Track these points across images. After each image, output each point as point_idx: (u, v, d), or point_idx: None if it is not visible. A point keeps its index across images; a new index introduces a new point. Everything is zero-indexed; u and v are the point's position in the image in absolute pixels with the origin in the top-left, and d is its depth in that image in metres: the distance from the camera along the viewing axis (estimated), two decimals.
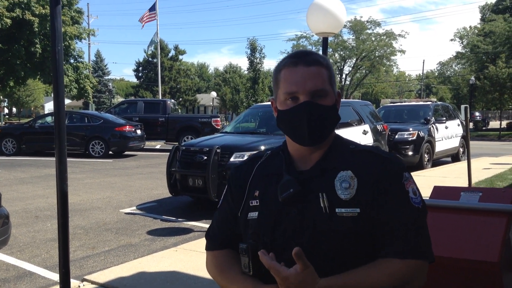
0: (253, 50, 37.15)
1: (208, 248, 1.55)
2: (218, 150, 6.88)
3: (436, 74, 70.99)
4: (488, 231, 2.41)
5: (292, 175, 1.37)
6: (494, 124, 45.19)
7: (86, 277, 4.37)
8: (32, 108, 66.61)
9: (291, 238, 1.31)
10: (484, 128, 39.95)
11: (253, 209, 1.41)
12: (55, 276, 4.56)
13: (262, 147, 7.03)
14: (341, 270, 1.27)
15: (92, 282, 4.26)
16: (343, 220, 1.28)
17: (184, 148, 7.47)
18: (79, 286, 4.22)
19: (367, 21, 48.46)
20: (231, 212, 1.50)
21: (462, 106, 7.33)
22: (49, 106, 65.60)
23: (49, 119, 16.97)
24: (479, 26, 42.55)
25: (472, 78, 36.32)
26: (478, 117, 41.75)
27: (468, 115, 7.19)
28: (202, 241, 5.42)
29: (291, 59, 1.40)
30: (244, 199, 1.45)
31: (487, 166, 12.07)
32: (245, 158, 6.73)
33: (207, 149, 7.03)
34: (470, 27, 47.10)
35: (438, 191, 2.80)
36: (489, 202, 2.56)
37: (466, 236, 2.44)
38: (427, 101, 14.66)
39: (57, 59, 3.29)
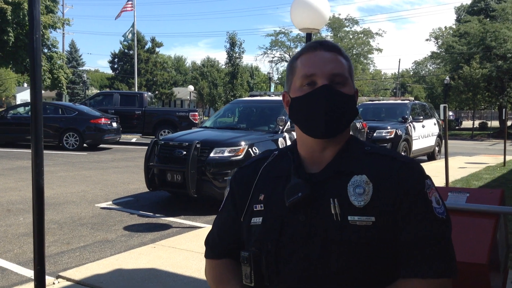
0: (233, 44, 37.02)
1: (206, 255, 1.45)
2: (198, 145, 6.78)
3: (411, 73, 72.01)
4: (477, 233, 2.39)
5: (301, 177, 1.26)
6: (466, 123, 46.17)
7: (61, 273, 4.23)
8: (3, 98, 64.99)
9: (298, 247, 1.20)
10: (457, 127, 40.79)
11: (257, 214, 1.30)
12: (28, 272, 4.42)
13: (243, 143, 6.96)
14: (354, 285, 1.17)
15: (67, 279, 4.12)
16: (356, 229, 1.17)
17: (163, 142, 7.34)
18: (53, 283, 4.08)
19: (345, 19, 48.81)
20: (233, 217, 1.38)
21: (442, 106, 7.40)
22: (21, 96, 64.07)
23: (21, 109, 16.54)
24: (454, 27, 43.22)
25: (447, 78, 36.93)
26: (451, 117, 42.62)
27: (447, 115, 7.27)
28: (181, 238, 5.36)
29: (310, 45, 1.31)
30: (247, 203, 1.34)
31: (462, 165, 12.27)
32: (225, 154, 6.76)
33: (187, 144, 6.92)
34: (445, 27, 47.83)
35: None
36: (477, 203, 2.54)
37: (454, 237, 2.43)
38: (404, 100, 14.81)
39: (35, 47, 3.14)
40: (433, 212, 1.21)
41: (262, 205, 1.30)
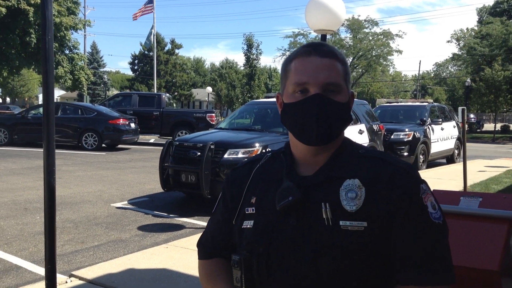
0: (250, 46, 37.08)
1: (199, 256, 1.45)
2: (212, 146, 6.78)
3: (432, 75, 71.13)
4: (489, 238, 2.33)
5: (293, 180, 1.23)
6: (488, 126, 45.38)
7: (74, 272, 4.27)
8: (26, 99, 66.15)
9: (289, 251, 1.18)
10: (478, 130, 40.12)
11: (249, 217, 1.28)
12: (42, 271, 4.44)
13: (257, 144, 6.95)
14: None
15: (80, 278, 4.16)
16: (348, 234, 1.14)
17: (177, 143, 7.37)
18: (66, 282, 4.12)
19: (365, 20, 48.44)
20: (225, 219, 1.37)
21: (460, 108, 7.28)
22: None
23: (41, 110, 16.77)
24: (476, 28, 42.59)
25: (468, 80, 36.39)
26: (472, 119, 41.90)
27: (466, 117, 7.15)
28: (194, 238, 5.36)
29: (304, 49, 1.26)
30: (239, 205, 1.32)
31: (482, 168, 12.06)
32: (239, 155, 6.74)
33: (201, 145, 6.93)
34: (467, 29, 47.17)
35: (437, 195, 2.71)
36: (489, 208, 2.48)
37: (465, 243, 2.37)
38: (423, 102, 14.61)
39: (47, 48, 3.17)
40: (429, 217, 1.17)
41: (253, 208, 1.28)
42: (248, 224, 1.28)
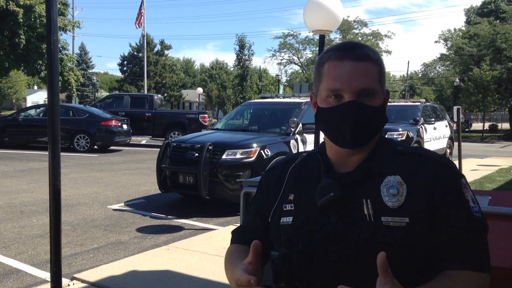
0: (242, 46, 37.07)
1: (231, 242, 1.48)
2: (210, 147, 6.77)
3: (420, 75, 71.66)
4: (501, 236, 2.35)
5: (332, 178, 1.24)
6: (476, 125, 45.83)
7: (76, 275, 4.24)
8: (14, 101, 65.44)
9: (330, 247, 1.19)
10: (467, 129, 40.47)
11: (287, 213, 1.29)
12: (43, 274, 4.43)
13: (255, 145, 6.95)
14: None
15: (82, 281, 4.13)
16: (390, 230, 1.15)
17: (175, 144, 7.34)
18: (68, 285, 4.09)
19: (354, 21, 48.73)
20: (260, 216, 1.39)
21: (455, 108, 7.35)
22: (31, 99, 64.51)
23: (32, 112, 16.65)
24: (463, 28, 42.98)
25: (457, 80, 36.69)
26: (461, 119, 42.31)
27: (460, 117, 7.21)
28: (194, 240, 5.36)
29: (337, 52, 1.25)
30: (276, 202, 1.33)
31: (474, 167, 12.18)
32: (237, 156, 6.74)
33: (199, 145, 6.91)
34: (454, 29, 47.60)
35: None
36: (499, 205, 2.50)
37: None
38: (415, 102, 14.69)
39: (52, 49, 3.14)
40: (471, 211, 1.20)
41: (292, 205, 1.29)
42: (286, 220, 1.28)
